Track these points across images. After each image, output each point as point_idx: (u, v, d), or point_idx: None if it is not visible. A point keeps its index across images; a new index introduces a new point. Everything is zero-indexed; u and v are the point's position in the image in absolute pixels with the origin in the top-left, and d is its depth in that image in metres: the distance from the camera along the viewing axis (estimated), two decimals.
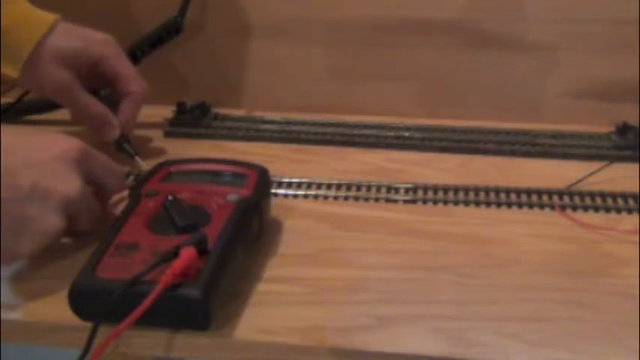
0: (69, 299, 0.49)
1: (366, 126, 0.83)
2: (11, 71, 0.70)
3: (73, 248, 0.59)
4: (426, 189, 0.70)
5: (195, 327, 0.49)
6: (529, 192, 0.68)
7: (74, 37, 0.71)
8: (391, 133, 0.81)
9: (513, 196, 0.68)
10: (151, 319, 0.47)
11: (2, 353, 0.72)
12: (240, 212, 0.56)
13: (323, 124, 0.83)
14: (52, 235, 0.54)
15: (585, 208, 0.66)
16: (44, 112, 0.84)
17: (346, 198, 0.69)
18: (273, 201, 0.63)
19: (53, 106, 0.82)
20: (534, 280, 0.56)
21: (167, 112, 0.84)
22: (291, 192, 0.69)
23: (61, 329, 0.51)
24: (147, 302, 0.46)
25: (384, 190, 0.70)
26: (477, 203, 0.67)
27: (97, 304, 0.48)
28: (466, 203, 0.67)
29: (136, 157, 0.72)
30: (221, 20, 0.87)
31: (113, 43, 0.73)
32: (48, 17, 0.70)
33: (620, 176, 0.71)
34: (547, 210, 0.66)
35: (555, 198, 0.68)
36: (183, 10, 0.82)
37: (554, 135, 0.80)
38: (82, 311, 0.50)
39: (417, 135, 0.80)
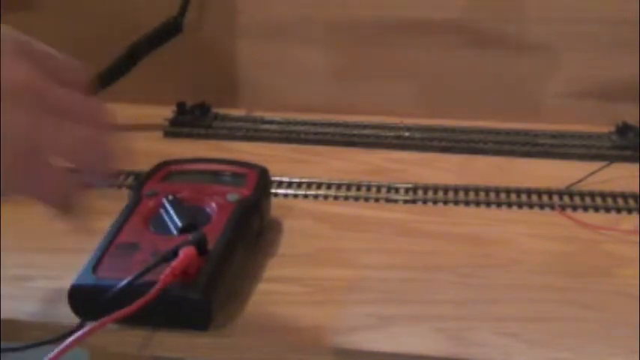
0: (69, 299, 0.49)
1: (366, 126, 0.83)
2: None
3: (73, 248, 0.59)
4: (426, 189, 0.70)
5: (195, 327, 0.49)
6: (529, 192, 0.68)
7: None
8: (391, 133, 0.81)
9: (513, 196, 0.68)
10: (151, 319, 0.47)
11: (2, 353, 0.71)
12: (240, 212, 0.56)
13: (323, 124, 0.83)
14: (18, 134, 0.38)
15: (585, 208, 0.66)
16: None
17: (346, 198, 0.69)
18: (273, 201, 0.63)
19: None
20: (534, 280, 0.56)
21: (167, 112, 0.84)
22: (291, 192, 0.69)
23: (61, 329, 0.51)
24: (143, 301, 0.46)
25: (384, 190, 0.70)
26: (477, 203, 0.67)
27: (96, 304, 0.48)
28: (466, 203, 0.67)
29: None
30: (221, 20, 0.87)
31: None
32: None
33: (620, 176, 0.71)
34: (547, 210, 0.66)
35: (555, 198, 0.68)
36: (183, 10, 0.82)
37: (554, 135, 0.79)
38: (82, 311, 0.50)
39: (417, 135, 0.80)
